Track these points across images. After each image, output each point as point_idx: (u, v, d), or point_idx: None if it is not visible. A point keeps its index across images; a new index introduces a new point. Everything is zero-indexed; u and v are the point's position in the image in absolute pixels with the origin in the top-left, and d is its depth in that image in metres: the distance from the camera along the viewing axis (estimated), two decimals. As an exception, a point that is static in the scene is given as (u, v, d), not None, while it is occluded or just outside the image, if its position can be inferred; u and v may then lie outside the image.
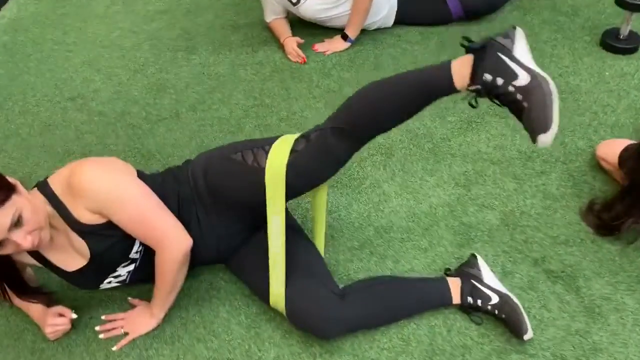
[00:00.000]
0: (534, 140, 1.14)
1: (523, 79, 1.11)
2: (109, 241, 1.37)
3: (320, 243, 1.58)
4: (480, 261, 1.54)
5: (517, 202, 1.80)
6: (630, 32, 2.37)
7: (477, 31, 2.59)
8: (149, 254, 1.44)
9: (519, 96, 1.13)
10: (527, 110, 1.13)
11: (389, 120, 1.31)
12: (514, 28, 1.20)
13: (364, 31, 2.59)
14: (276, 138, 1.41)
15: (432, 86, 1.24)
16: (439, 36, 2.59)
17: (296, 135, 1.38)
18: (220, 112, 2.31)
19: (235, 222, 1.50)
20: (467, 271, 1.52)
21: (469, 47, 1.20)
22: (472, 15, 2.61)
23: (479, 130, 2.09)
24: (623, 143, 1.78)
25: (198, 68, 2.55)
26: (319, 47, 2.58)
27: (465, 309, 1.49)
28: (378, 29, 2.65)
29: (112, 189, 1.33)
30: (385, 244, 1.72)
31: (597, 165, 1.88)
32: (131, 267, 1.47)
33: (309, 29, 2.65)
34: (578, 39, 2.49)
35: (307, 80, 2.43)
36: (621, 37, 2.38)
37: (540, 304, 1.51)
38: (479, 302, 1.46)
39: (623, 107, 2.12)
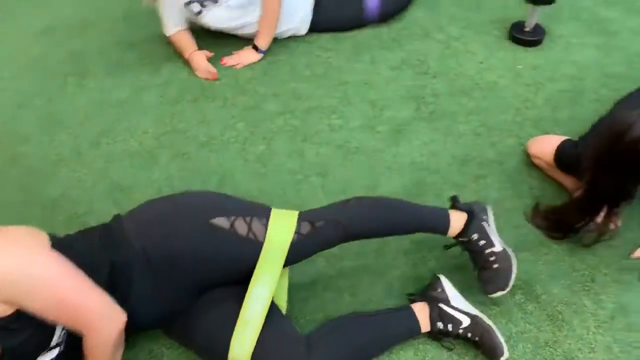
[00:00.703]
0: (490, 292, 1.43)
1: (498, 247, 1.45)
2: (24, 334, 1.13)
3: (283, 302, 1.43)
4: (445, 281, 1.47)
5: (462, 210, 1.76)
6: (536, 24, 2.43)
7: (388, 33, 2.53)
8: (75, 335, 1.22)
9: (491, 258, 1.44)
10: (494, 270, 1.43)
11: (385, 233, 1.48)
12: (486, 205, 1.54)
13: (275, 40, 2.45)
14: (263, 207, 1.38)
15: (430, 226, 1.47)
16: (351, 40, 2.51)
17: (295, 213, 1.38)
18: (128, 144, 2.06)
19: (189, 285, 1.31)
20: (432, 295, 1.45)
21: (459, 207, 1.50)
22: (385, 17, 2.55)
23: (410, 137, 2.03)
24: (553, 140, 1.80)
25: (95, 95, 2.28)
26: (229, 60, 2.39)
27: (435, 335, 1.41)
28: (290, 37, 2.51)
29: (18, 271, 1.09)
30: (338, 275, 1.60)
31: (530, 162, 1.89)
32: (54, 352, 1.24)
33: (216, 40, 2.46)
34: (487, 33, 2.52)
35: (221, 98, 2.24)
36: (527, 29, 2.43)
37: (505, 319, 1.47)
38: (450, 326, 1.39)
39: (541, 100, 2.16)
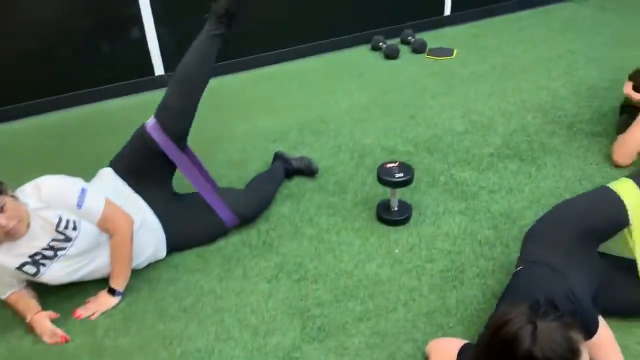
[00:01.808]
0: None
1: None
2: None
3: None
4: None
5: None
6: (400, 201, 2.42)
7: (257, 237, 2.39)
8: None
9: None
10: None
11: None
12: None
13: (133, 272, 2.18)
14: None
15: None
16: (220, 254, 2.32)
17: None
18: None
19: None
20: None
21: None
22: (247, 220, 2.42)
23: (302, 369, 1.81)
24: (453, 345, 1.69)
25: None
26: (83, 311, 2.06)
27: None
28: (150, 265, 2.27)
29: None
30: None
31: (434, 371, 1.73)
32: None
33: (62, 290, 2.13)
34: (356, 217, 2.46)
35: (76, 366, 1.89)
36: (393, 209, 2.41)
37: None
38: None
39: (426, 288, 2.07)
